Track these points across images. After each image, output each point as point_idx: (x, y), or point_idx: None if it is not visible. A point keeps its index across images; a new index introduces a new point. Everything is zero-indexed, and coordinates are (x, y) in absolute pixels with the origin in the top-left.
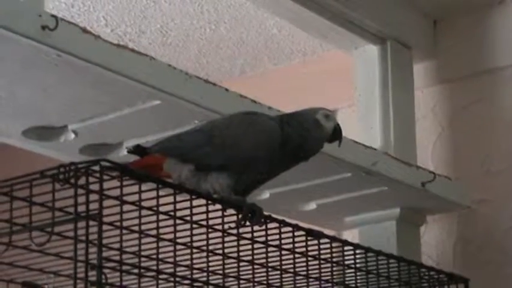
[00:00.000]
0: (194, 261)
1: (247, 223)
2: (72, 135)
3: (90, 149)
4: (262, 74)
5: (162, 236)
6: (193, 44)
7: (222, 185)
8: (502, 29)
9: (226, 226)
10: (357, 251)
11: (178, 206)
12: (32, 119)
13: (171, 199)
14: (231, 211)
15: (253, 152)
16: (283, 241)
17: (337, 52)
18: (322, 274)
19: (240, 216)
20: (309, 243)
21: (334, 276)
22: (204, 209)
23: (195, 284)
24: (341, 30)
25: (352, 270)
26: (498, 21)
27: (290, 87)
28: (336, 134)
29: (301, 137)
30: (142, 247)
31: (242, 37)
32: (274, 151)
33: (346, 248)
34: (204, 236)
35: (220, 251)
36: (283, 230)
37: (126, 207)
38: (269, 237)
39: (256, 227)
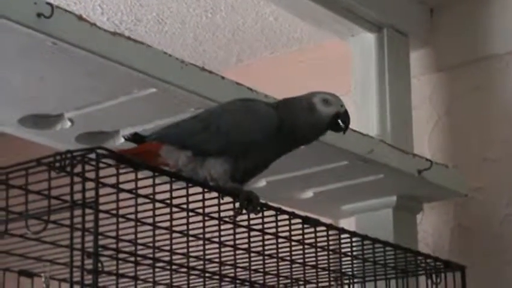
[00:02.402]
0: (190, 249)
1: (244, 211)
2: (68, 123)
3: (87, 137)
4: (258, 62)
5: (158, 224)
6: (190, 32)
7: (219, 171)
8: (499, 17)
9: (222, 214)
10: (354, 239)
11: (174, 194)
12: (28, 107)
13: (167, 187)
14: (228, 199)
15: (250, 137)
16: (279, 229)
17: (333, 40)
18: (319, 262)
19: (236, 204)
20: (306, 231)
21: (331, 264)
22: (200, 197)
23: (192, 272)
24: (337, 18)
25: (349, 258)
26: (494, 8)
27: (287, 75)
28: (338, 120)
29: (293, 121)
30: (139, 235)
31: (238, 25)
32: (271, 135)
33: (342, 235)
34: (201, 224)
35: (217, 239)
36: (279, 217)
37: (122, 195)
38: (265, 225)
39: (252, 215)
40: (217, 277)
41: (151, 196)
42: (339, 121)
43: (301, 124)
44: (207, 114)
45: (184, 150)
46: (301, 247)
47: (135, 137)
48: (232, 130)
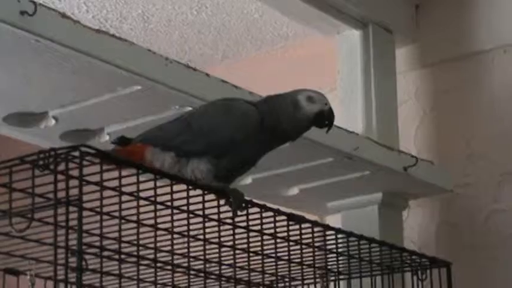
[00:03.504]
0: (175, 246)
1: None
2: (53, 121)
3: (71, 135)
4: (244, 59)
5: (142, 222)
6: (175, 30)
7: (202, 170)
8: (484, 13)
9: (207, 212)
10: (339, 236)
11: (158, 191)
12: (13, 106)
13: (151, 184)
14: (212, 196)
15: (231, 136)
16: (264, 226)
17: (319, 37)
18: (304, 259)
19: (222, 202)
20: (291, 228)
21: (316, 261)
22: (184, 194)
23: (177, 269)
24: (323, 15)
25: (334, 255)
26: (479, 5)
27: (272, 72)
28: (322, 117)
29: (276, 118)
30: (123, 233)
31: (224, 22)
32: (252, 134)
33: (328, 232)
34: (185, 222)
35: (202, 237)
36: (264, 215)
37: (106, 193)
38: (250, 222)
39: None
40: (202, 274)
41: (136, 193)
42: (323, 119)
43: (285, 121)
44: (188, 115)
45: (168, 152)
46: (286, 244)
47: (121, 140)
48: (213, 130)
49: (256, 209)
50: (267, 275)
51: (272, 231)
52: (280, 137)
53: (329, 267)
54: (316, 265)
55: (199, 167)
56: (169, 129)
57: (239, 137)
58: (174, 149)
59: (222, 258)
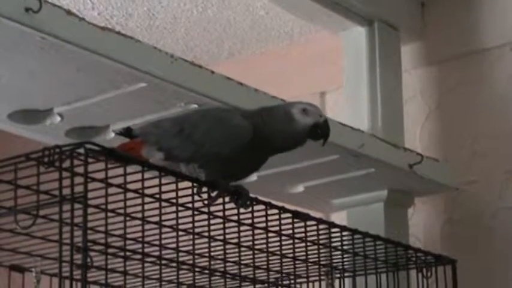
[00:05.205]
0: (180, 243)
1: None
2: (58, 118)
3: (76, 132)
4: (249, 57)
5: (147, 219)
6: (181, 27)
7: (193, 174)
8: (489, 10)
9: (212, 209)
10: (344, 233)
11: (163, 188)
12: (18, 103)
13: (156, 182)
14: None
15: (218, 149)
16: (269, 223)
17: (324, 34)
18: (309, 256)
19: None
20: (296, 225)
21: (321, 258)
22: (189, 191)
23: (182, 266)
24: (328, 12)
25: (339, 252)
26: (485, 2)
27: (278, 70)
28: (317, 130)
29: (270, 130)
30: (128, 230)
31: (229, 20)
32: (241, 149)
33: (333, 229)
34: (190, 219)
35: (206, 234)
36: (269, 212)
37: (111, 190)
38: (255, 220)
39: (242, 209)
40: (207, 272)
41: (140, 191)
42: (318, 131)
43: (278, 133)
44: (183, 119)
45: (160, 152)
46: (291, 241)
47: (126, 132)
48: (201, 141)
49: (262, 207)
50: (272, 272)
51: (277, 228)
52: (274, 148)
53: (334, 264)
54: (321, 262)
55: (189, 171)
56: (164, 128)
57: (226, 152)
58: (164, 151)
59: (227, 256)
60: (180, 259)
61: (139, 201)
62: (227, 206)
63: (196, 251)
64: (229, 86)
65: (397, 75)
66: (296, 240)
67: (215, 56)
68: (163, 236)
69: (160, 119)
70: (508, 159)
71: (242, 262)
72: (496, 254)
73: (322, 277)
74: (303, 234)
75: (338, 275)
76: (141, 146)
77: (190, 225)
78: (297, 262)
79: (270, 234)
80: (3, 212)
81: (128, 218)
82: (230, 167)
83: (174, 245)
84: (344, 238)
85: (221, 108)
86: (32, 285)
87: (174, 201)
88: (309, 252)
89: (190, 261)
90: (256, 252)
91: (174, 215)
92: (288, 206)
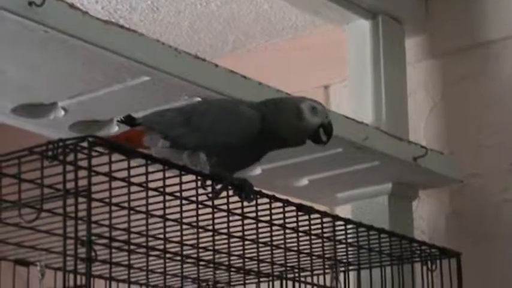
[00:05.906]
0: (184, 237)
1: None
2: (62, 112)
3: (80, 125)
4: (253, 50)
5: (152, 212)
6: (185, 21)
7: (198, 162)
8: (494, 3)
9: (216, 202)
10: (348, 226)
11: (167, 182)
12: (21, 97)
13: (160, 175)
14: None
15: (226, 139)
16: (273, 217)
17: (328, 27)
18: (314, 249)
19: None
20: (300, 218)
21: (326, 252)
22: (194, 184)
23: (186, 260)
24: (332, 5)
25: (344, 246)
26: None
27: (282, 63)
28: (321, 131)
29: (277, 123)
30: (132, 223)
31: (233, 13)
32: (249, 140)
33: (337, 223)
34: (194, 212)
35: (211, 227)
36: (273, 205)
37: (115, 184)
38: (260, 213)
39: (246, 203)
40: (211, 265)
41: (145, 184)
42: (323, 133)
43: (285, 128)
44: (190, 108)
45: (164, 141)
46: (295, 235)
47: (127, 119)
48: (209, 131)
49: (266, 200)
50: (276, 266)
51: (281, 221)
52: (278, 143)
53: (338, 257)
54: (326, 256)
55: (193, 160)
56: (169, 117)
57: (233, 143)
58: (170, 139)
59: (231, 249)
60: (185, 253)
61: (143, 194)
62: (231, 199)
63: (201, 245)
64: (233, 79)
65: (401, 68)
66: (300, 234)
67: (219, 50)
68: (167, 229)
69: (165, 109)
70: None
71: (246, 255)
72: (501, 246)
73: (326, 270)
74: (307, 228)
75: (343, 269)
76: (142, 134)
77: (195, 218)
78: (301, 255)
79: (274, 228)
80: (7, 206)
81: (132, 212)
82: (235, 157)
83: (178, 239)
84: (348, 231)
85: (230, 99)
86: (36, 279)
87: (178, 194)
88: (314, 246)
89: (195, 255)
90: (260, 245)
91: (178, 209)
92: (292, 200)
